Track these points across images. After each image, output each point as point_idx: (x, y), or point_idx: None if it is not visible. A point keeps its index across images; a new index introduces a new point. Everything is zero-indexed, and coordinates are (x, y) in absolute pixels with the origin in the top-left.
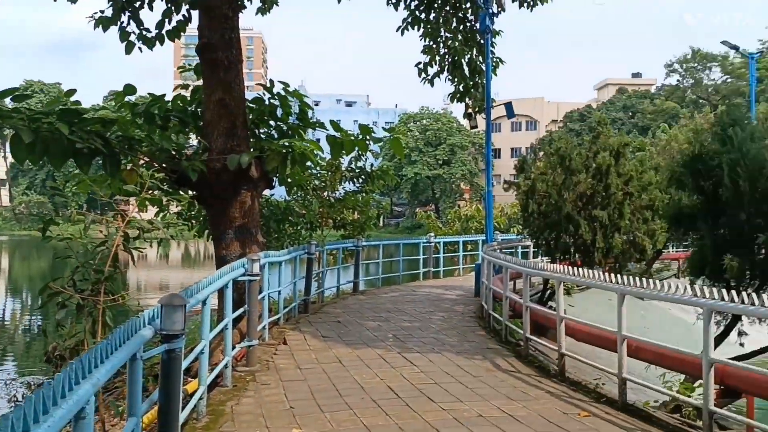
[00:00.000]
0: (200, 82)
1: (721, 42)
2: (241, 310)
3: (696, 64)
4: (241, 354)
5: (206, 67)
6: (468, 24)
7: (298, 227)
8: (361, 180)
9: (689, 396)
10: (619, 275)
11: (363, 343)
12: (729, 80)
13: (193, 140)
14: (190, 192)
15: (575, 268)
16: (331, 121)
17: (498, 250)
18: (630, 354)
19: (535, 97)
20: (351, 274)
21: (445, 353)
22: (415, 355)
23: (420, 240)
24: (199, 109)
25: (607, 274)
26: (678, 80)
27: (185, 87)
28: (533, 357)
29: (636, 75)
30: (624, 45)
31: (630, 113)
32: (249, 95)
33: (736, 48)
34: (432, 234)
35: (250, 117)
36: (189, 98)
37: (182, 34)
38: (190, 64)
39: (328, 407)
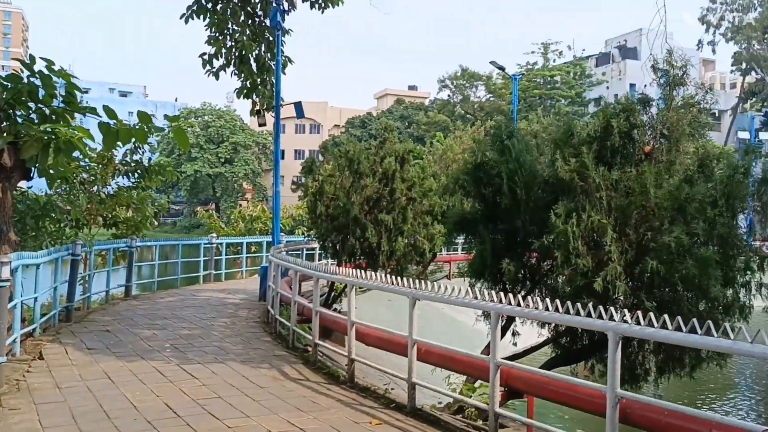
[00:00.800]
0: None
1: (490, 62)
2: None
3: (464, 82)
4: None
5: None
6: (257, 19)
7: (62, 225)
8: (137, 175)
9: (471, 396)
10: (407, 279)
11: (136, 355)
12: (492, 99)
13: None
14: None
15: (365, 272)
16: (105, 107)
17: (285, 253)
18: (419, 358)
19: (319, 102)
20: (123, 277)
21: (229, 363)
22: (196, 366)
23: (201, 240)
24: None
25: (392, 276)
26: (449, 95)
27: None
28: (322, 363)
29: (412, 87)
30: (403, 58)
31: (407, 123)
32: (4, 73)
33: (502, 68)
34: (214, 234)
35: (4, 96)
36: None
37: None
38: None
39: None
